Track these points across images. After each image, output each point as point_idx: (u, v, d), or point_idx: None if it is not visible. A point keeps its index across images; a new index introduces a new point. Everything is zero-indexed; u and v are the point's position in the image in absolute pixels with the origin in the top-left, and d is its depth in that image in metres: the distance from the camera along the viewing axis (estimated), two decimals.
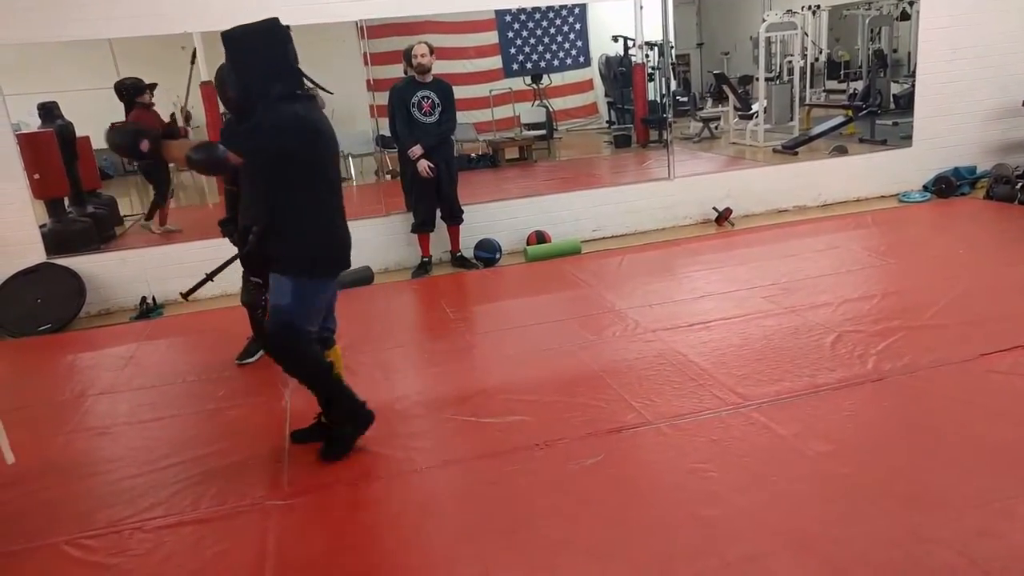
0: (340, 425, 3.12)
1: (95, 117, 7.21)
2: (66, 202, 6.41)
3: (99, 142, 7.36)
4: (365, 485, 2.93)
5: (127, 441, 3.48)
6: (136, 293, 5.65)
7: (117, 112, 7.03)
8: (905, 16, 10.75)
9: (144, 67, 6.73)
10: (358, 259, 5.93)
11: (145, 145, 2.68)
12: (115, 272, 5.76)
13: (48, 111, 6.64)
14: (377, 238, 6.19)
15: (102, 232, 6.83)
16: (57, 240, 5.82)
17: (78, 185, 6.67)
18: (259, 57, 2.74)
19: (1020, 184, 6.35)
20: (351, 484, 2.93)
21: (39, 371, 4.66)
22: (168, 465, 3.22)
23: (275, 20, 2.80)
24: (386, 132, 6.42)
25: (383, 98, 6.32)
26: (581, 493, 2.74)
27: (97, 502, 2.96)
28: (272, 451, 3.24)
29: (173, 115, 7.41)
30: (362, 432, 3.14)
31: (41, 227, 5.72)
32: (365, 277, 5.89)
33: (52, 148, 6.10)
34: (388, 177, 7.60)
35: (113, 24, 5.45)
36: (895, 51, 12.72)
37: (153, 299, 5.61)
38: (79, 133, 6.81)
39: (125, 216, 7.58)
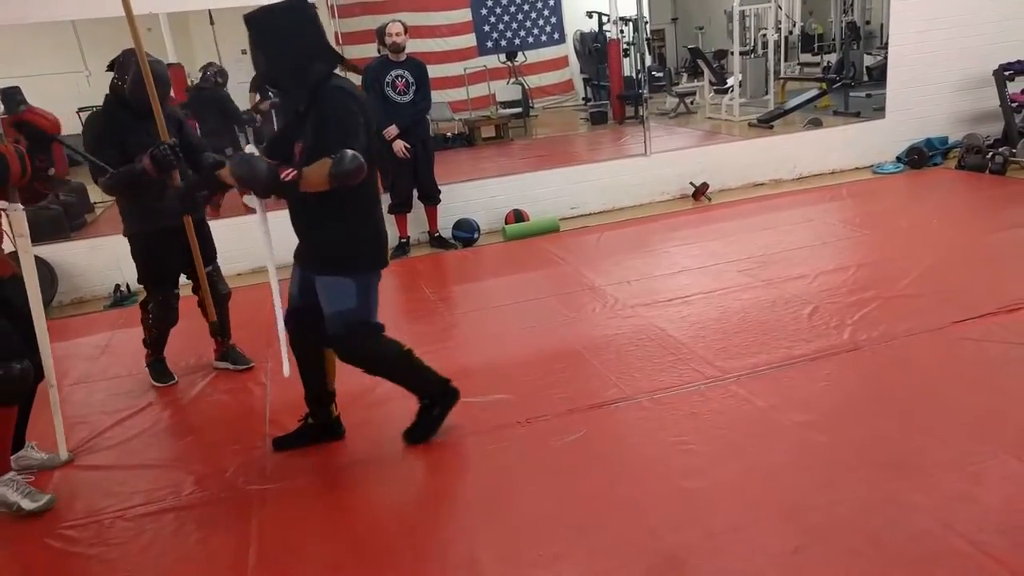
0: (427, 408, 3.03)
1: (62, 102, 7.06)
2: None
3: (68, 128, 7.22)
4: (347, 469, 2.93)
5: (104, 431, 3.43)
6: (109, 281, 5.57)
7: (85, 98, 6.89)
8: None
9: (110, 50, 6.58)
10: None
11: (291, 175, 2.50)
12: (87, 260, 5.67)
13: (10, 97, 6.47)
14: None
15: (72, 220, 6.72)
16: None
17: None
18: (297, 36, 2.62)
19: (991, 154, 6.42)
20: (333, 468, 2.93)
21: None
22: (147, 454, 3.20)
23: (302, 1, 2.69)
24: None
25: (356, 79, 6.23)
26: (564, 469, 2.75)
27: (76, 492, 2.93)
28: (253, 437, 3.22)
29: None
30: (449, 411, 3.04)
31: None
32: None
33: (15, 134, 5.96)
34: None
35: (76, 5, 5.32)
36: (868, 23, 12.78)
37: (127, 286, 5.53)
38: None
39: (95, 203, 7.44)
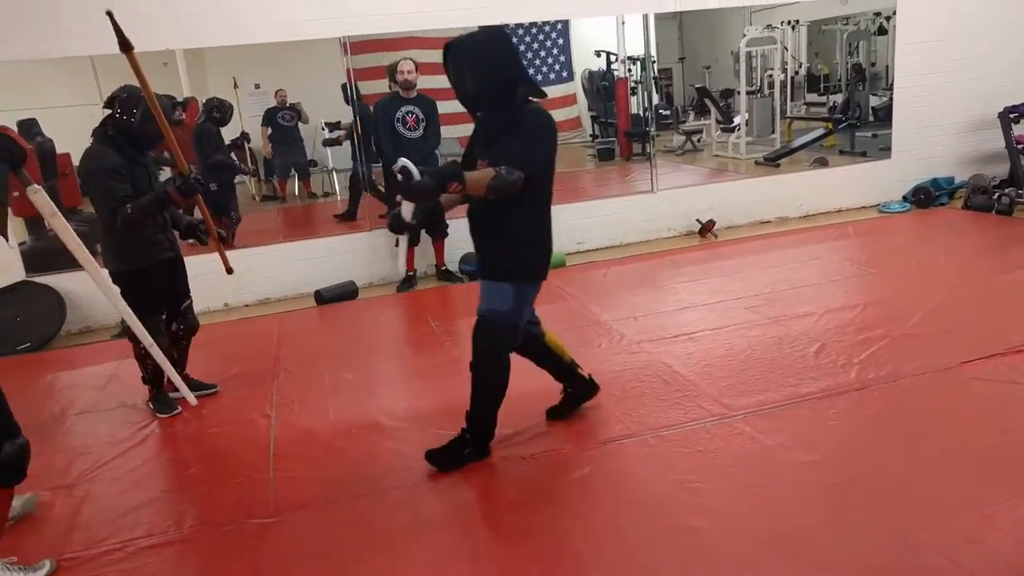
0: (463, 441, 3.09)
1: (76, 134, 7.15)
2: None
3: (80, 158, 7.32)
4: (351, 502, 2.90)
5: (107, 461, 3.42)
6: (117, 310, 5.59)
7: None
8: (882, 31, 10.90)
9: (126, 82, 6.70)
10: (342, 274, 5.98)
11: (456, 188, 2.63)
12: (96, 289, 5.66)
13: (28, 128, 6.57)
14: (361, 252, 6.19)
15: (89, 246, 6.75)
16: (36, 258, 5.75)
17: (58, 202, 6.60)
18: (501, 63, 2.78)
19: (997, 194, 6.44)
20: (337, 501, 2.91)
21: (18, 390, 4.51)
22: (150, 485, 3.19)
23: (501, 30, 2.93)
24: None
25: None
26: (569, 505, 2.73)
27: (77, 523, 2.91)
28: (257, 468, 3.20)
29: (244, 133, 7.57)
30: (470, 461, 3.07)
31: (20, 245, 5.66)
32: (349, 291, 5.87)
33: (32, 165, 6.04)
34: (368, 192, 7.61)
35: (95, 41, 5.42)
36: (873, 65, 12.90)
37: None
38: (60, 150, 6.75)
39: None
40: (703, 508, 2.61)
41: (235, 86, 7.63)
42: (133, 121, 3.45)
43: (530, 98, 2.85)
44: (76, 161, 7.24)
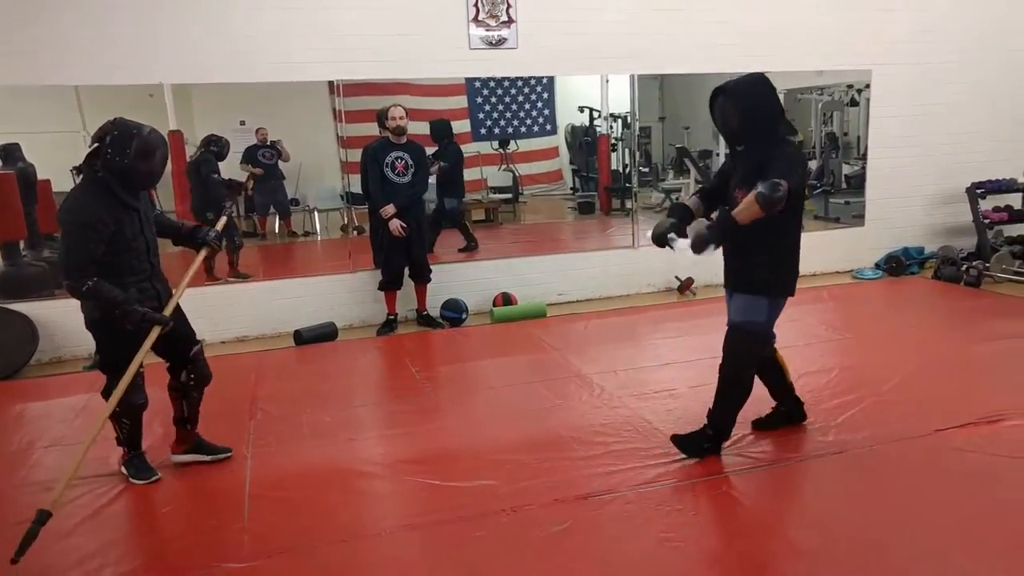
0: (705, 436, 3.41)
1: (57, 161, 7.12)
2: (22, 245, 6.26)
3: (60, 185, 7.26)
4: (327, 548, 2.85)
5: (75, 498, 3.32)
6: (90, 342, 5.42)
7: (80, 156, 6.95)
8: (854, 103, 11.33)
9: (109, 111, 6.69)
10: (323, 315, 5.96)
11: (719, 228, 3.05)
12: (70, 319, 5.57)
13: (10, 153, 6.52)
14: (343, 294, 6.18)
15: (58, 277, 6.66)
16: (10, 284, 5.66)
17: (35, 229, 6.53)
18: (767, 103, 3.18)
19: (965, 266, 6.64)
20: (312, 547, 2.85)
21: None
22: (119, 523, 3.11)
23: (764, 75, 3.25)
24: (355, 189, 6.47)
25: (354, 155, 6.39)
26: (548, 561, 2.71)
27: (40, 561, 2.82)
28: (232, 511, 3.14)
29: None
30: (707, 455, 3.41)
31: None
32: (328, 333, 5.84)
33: (12, 190, 5.99)
34: (355, 233, 7.62)
35: (86, 72, 5.46)
36: (846, 134, 13.31)
37: None
38: (41, 176, 6.70)
39: None
40: (683, 569, 2.61)
41: (241, 123, 7.78)
42: (126, 161, 3.09)
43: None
44: (56, 188, 7.24)
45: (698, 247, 3.06)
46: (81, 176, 3.24)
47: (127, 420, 3.40)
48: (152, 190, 3.31)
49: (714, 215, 3.24)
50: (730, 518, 2.92)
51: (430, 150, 10.47)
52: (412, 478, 3.38)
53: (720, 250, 3.20)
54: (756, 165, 3.10)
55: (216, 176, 6.89)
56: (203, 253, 3.51)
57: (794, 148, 3.25)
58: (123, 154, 3.09)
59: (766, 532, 2.82)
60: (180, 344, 3.47)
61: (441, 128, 8.33)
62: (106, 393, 3.34)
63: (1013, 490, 3.06)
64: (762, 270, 3.23)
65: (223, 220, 3.70)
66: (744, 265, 3.28)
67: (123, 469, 3.51)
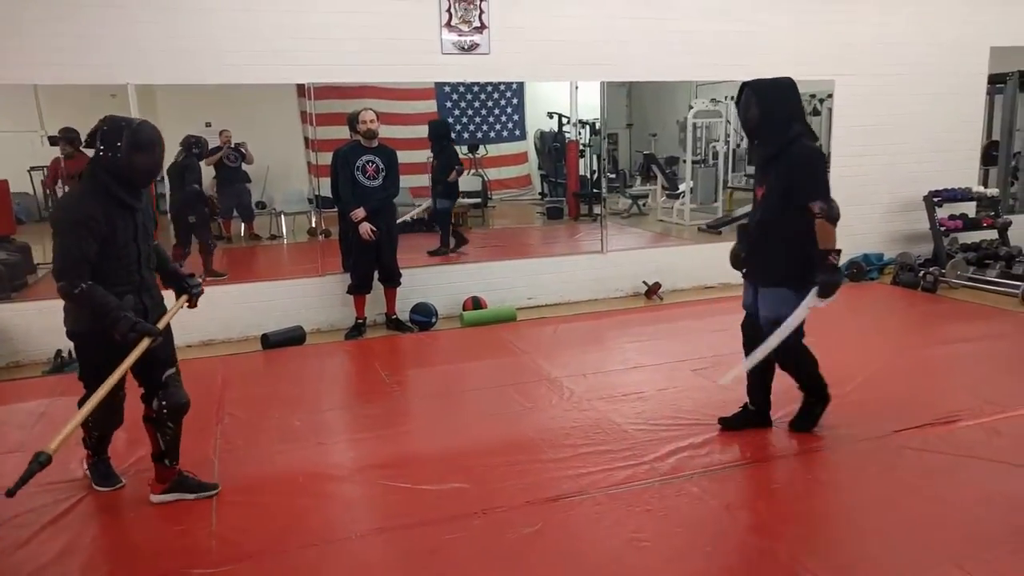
0: (812, 405, 3.72)
1: (13, 161, 6.97)
2: None
3: (16, 186, 7.10)
4: (296, 552, 2.83)
5: (36, 504, 3.25)
6: (50, 346, 5.38)
7: (39, 157, 6.83)
8: (816, 112, 11.59)
9: (67, 111, 6.58)
10: (291, 319, 5.90)
11: (834, 257, 3.39)
12: (27, 322, 5.49)
13: None
14: (311, 298, 6.13)
15: (14, 280, 6.51)
16: None
17: None
18: (787, 103, 3.46)
19: (922, 272, 6.83)
20: (282, 552, 2.84)
21: None
22: (82, 530, 3.04)
23: (791, 78, 3.51)
24: (324, 192, 6.44)
25: (324, 158, 6.35)
26: (520, 563, 2.73)
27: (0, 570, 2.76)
28: (199, 516, 3.10)
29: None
30: (822, 412, 3.73)
31: None
32: (296, 336, 5.79)
33: None
34: (322, 236, 7.57)
35: (45, 71, 5.34)
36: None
37: (69, 352, 5.34)
38: None
39: (39, 264, 7.24)
40: (651, 568, 2.65)
41: (207, 125, 7.76)
42: (119, 156, 2.90)
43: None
44: (14, 188, 7.07)
45: (827, 295, 3.38)
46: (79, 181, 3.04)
47: (97, 432, 3.28)
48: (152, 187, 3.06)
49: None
50: (696, 519, 2.97)
51: (414, 153, 10.57)
52: (382, 482, 3.38)
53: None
54: (770, 159, 3.47)
55: (197, 187, 7.10)
56: (183, 302, 3.31)
57: (808, 148, 3.43)
58: (114, 148, 2.91)
59: (730, 532, 2.88)
60: (156, 366, 3.13)
61: (439, 129, 8.52)
62: (82, 403, 3.03)
63: (964, 487, 3.16)
64: (785, 264, 3.45)
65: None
66: (768, 261, 3.51)
67: (87, 472, 3.42)
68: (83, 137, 3.10)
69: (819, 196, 3.32)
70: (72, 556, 2.85)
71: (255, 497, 3.26)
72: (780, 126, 3.43)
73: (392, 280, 5.95)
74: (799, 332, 3.59)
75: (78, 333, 3.07)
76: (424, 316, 6.13)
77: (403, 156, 10.13)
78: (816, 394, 3.74)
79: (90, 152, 3.01)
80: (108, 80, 5.52)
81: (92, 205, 2.91)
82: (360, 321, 5.99)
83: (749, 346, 3.68)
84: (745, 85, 3.52)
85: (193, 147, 7.08)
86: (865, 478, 3.30)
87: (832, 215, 3.34)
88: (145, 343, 2.93)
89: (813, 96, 10.89)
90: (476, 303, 6.34)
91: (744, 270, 3.71)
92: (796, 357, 3.64)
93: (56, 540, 2.96)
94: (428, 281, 6.40)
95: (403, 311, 6.13)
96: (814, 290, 3.37)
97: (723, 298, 6.91)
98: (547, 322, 6.19)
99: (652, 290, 6.90)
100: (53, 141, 6.59)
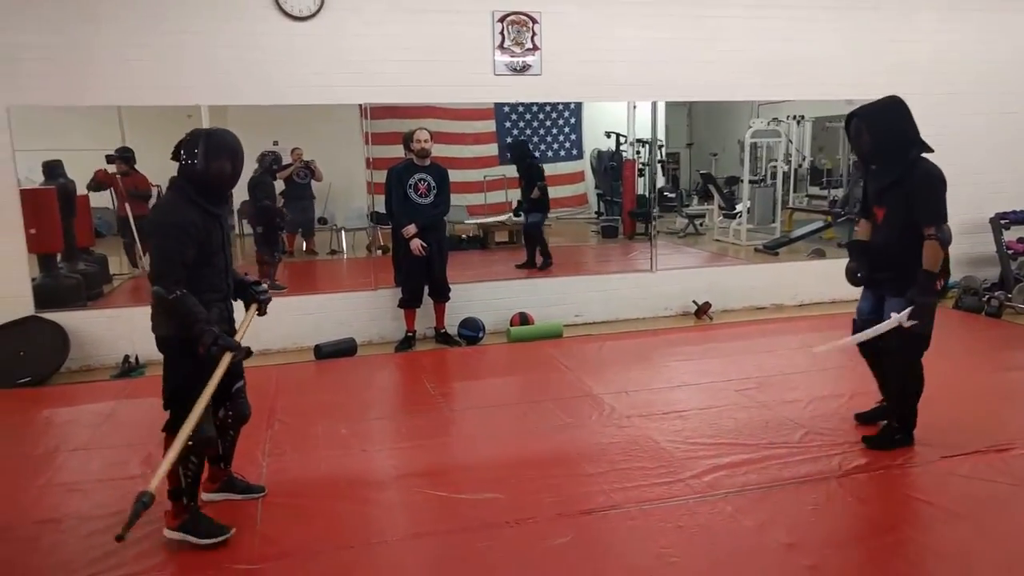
0: (895, 431, 3.77)
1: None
2: (58, 257, 6.51)
3: (96, 201, 7.54)
4: (332, 553, 2.94)
5: (98, 499, 3.46)
6: (119, 351, 5.69)
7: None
8: None
9: (148, 129, 6.97)
10: (344, 330, 6.09)
11: (941, 283, 3.52)
12: (100, 329, 5.81)
13: (52, 169, 6.81)
14: (364, 311, 6.31)
15: (91, 289, 6.90)
16: (46, 294, 5.88)
17: (72, 242, 6.79)
18: (898, 126, 3.50)
19: (987, 296, 6.59)
20: (318, 552, 2.95)
21: (15, 424, 4.64)
22: (138, 524, 3.21)
23: (900, 98, 3.56)
24: (380, 209, 6.64)
25: (380, 176, 6.56)
26: (548, 572, 2.77)
27: (60, 561, 2.94)
28: (245, 515, 3.24)
29: None
30: (900, 446, 3.72)
31: (32, 281, 5.80)
32: (348, 348, 5.97)
33: (52, 205, 6.23)
34: (379, 252, 7.79)
35: (128, 93, 5.70)
36: None
37: (136, 358, 5.64)
38: (80, 192, 6.97)
39: (114, 275, 7.66)
40: None
41: (275, 143, 8.22)
42: (197, 163, 2.95)
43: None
44: (94, 203, 7.50)
45: (918, 317, 3.47)
46: (168, 189, 3.07)
47: (196, 459, 3.00)
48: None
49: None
50: (728, 537, 2.96)
51: (471, 172, 10.80)
52: (420, 489, 3.47)
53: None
54: (890, 185, 3.52)
55: (268, 203, 7.55)
56: (253, 311, 3.36)
57: (928, 172, 3.48)
58: (193, 156, 2.96)
59: (761, 552, 2.85)
60: (227, 377, 3.03)
61: (520, 149, 8.97)
62: (171, 428, 2.97)
63: (1008, 517, 3.07)
64: (914, 277, 3.48)
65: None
66: (898, 274, 3.56)
67: (179, 534, 3.01)
68: (172, 151, 3.05)
69: (933, 219, 3.42)
70: (127, 548, 3.00)
71: (298, 500, 3.39)
72: (897, 151, 3.50)
73: (441, 295, 6.09)
74: (919, 348, 3.66)
75: (169, 339, 2.99)
76: (472, 331, 6.24)
77: (461, 175, 10.40)
78: (902, 422, 3.76)
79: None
80: (183, 101, 5.85)
81: (188, 209, 2.93)
82: (410, 334, 6.13)
83: (869, 348, 3.84)
84: (853, 115, 3.58)
85: (272, 164, 7.60)
86: (907, 505, 3.23)
87: (943, 238, 3.41)
88: (228, 358, 2.92)
89: None
90: (523, 319, 6.41)
91: (864, 286, 3.84)
92: (909, 371, 3.69)
93: (111, 531, 3.14)
94: (477, 297, 6.51)
95: (451, 325, 6.25)
96: (909, 309, 3.44)
97: (774, 319, 6.83)
98: (593, 339, 6.22)
99: (702, 310, 6.85)
100: (110, 159, 7.02)
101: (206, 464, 3.21)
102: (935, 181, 3.48)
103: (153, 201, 6.96)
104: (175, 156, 3.03)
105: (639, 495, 3.32)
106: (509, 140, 12.25)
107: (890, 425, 3.81)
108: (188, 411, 2.81)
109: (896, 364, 3.71)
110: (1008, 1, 7.38)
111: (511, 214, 10.30)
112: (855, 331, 3.86)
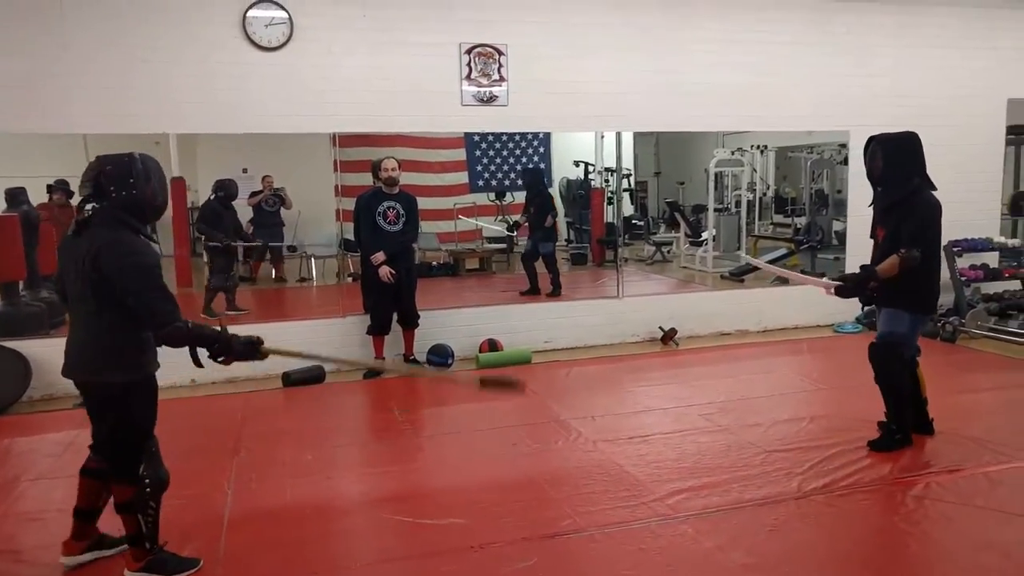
0: (894, 432, 4.08)
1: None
2: (20, 285, 6.43)
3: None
4: None
5: (57, 529, 3.40)
6: None
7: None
8: (847, 161, 11.65)
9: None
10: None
11: (873, 285, 3.96)
12: (62, 357, 5.72)
13: (14, 196, 6.74)
14: (332, 337, 6.30)
15: (54, 317, 6.81)
16: (8, 323, 5.81)
17: (35, 270, 6.70)
18: (908, 158, 3.95)
19: (942, 322, 6.79)
20: (289, 573, 2.95)
21: None
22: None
23: (915, 134, 4.00)
24: (350, 236, 6.67)
25: (350, 203, 6.60)
26: None
27: None
28: (208, 543, 3.22)
29: None
30: (901, 447, 4.05)
31: None
32: (316, 375, 5.96)
33: (15, 232, 6.17)
34: (349, 279, 7.81)
35: (93, 120, 5.70)
36: (839, 191, 13.61)
37: None
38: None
39: None
40: None
41: (244, 171, 8.23)
42: (135, 192, 2.79)
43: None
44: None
45: (842, 293, 4.01)
46: (96, 226, 2.78)
47: (154, 503, 2.93)
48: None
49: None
50: (688, 559, 3.01)
51: (441, 200, 10.88)
52: (386, 515, 3.48)
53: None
54: (892, 205, 3.93)
55: (209, 229, 7.57)
56: None
57: (925, 202, 3.90)
58: (127, 185, 2.77)
59: (720, 573, 2.91)
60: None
61: (532, 176, 9.18)
62: (132, 503, 2.90)
63: (960, 534, 3.18)
64: (906, 292, 3.90)
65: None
66: (891, 288, 3.90)
67: (147, 571, 2.94)
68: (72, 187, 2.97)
69: (910, 243, 3.80)
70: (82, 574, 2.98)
71: (263, 527, 3.39)
72: (902, 178, 3.91)
73: (410, 322, 6.12)
74: (912, 349, 4.11)
75: (134, 385, 2.86)
76: (441, 357, 6.27)
77: (431, 203, 10.47)
78: (899, 424, 4.09)
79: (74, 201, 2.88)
80: (150, 129, 5.86)
81: (146, 244, 2.83)
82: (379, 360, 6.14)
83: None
84: (872, 139, 4.02)
85: (219, 190, 7.65)
86: (861, 524, 3.31)
87: (908, 257, 3.78)
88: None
89: (843, 146, 10.98)
90: (492, 345, 6.46)
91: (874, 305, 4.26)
92: (894, 367, 4.03)
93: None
94: (446, 323, 6.55)
95: (420, 352, 6.27)
96: (836, 283, 4.01)
97: (738, 345, 6.95)
98: (561, 365, 6.28)
99: (668, 336, 6.95)
100: (50, 190, 6.97)
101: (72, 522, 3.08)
102: (929, 211, 3.91)
103: None
104: (97, 191, 2.79)
105: (603, 518, 3.37)
106: (479, 168, 12.39)
107: (889, 429, 4.11)
108: (146, 441, 2.91)
109: (879, 374, 4.08)
110: (960, 40, 7.69)
111: (505, 230, 10.46)
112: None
